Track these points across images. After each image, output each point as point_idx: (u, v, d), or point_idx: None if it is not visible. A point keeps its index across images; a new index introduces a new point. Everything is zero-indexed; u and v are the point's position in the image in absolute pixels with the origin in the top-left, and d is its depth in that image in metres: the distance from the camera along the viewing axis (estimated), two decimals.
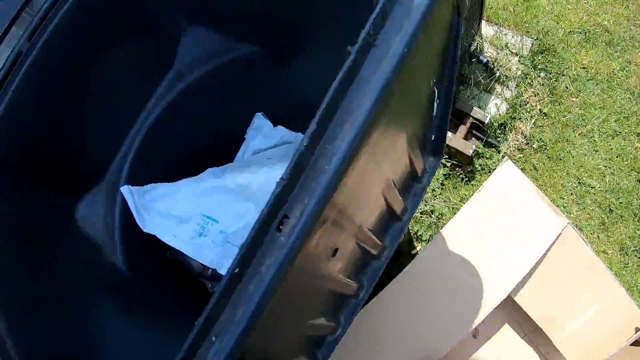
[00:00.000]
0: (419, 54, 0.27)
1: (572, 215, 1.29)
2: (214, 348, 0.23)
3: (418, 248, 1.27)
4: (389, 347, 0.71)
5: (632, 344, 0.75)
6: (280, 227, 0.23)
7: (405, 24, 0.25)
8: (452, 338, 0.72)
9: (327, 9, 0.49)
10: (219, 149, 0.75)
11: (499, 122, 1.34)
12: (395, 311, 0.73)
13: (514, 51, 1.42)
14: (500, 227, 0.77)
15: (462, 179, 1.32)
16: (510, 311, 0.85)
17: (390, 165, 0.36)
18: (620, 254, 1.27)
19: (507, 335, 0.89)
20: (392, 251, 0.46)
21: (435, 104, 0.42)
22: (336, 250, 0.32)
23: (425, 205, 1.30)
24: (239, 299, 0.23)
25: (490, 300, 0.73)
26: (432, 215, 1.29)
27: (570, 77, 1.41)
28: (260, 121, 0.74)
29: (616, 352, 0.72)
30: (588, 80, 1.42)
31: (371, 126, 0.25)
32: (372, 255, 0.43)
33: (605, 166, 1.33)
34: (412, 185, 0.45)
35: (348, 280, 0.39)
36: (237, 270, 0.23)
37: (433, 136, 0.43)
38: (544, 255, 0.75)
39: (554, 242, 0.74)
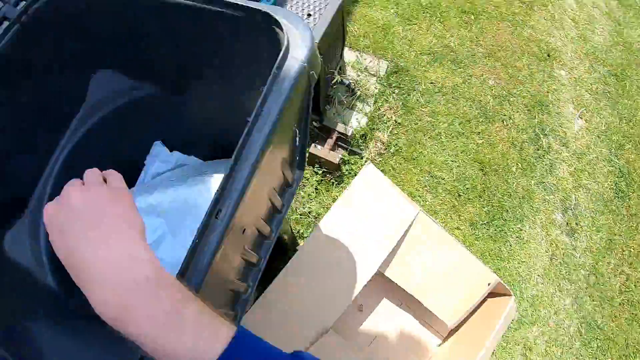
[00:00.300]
0: (287, 113, 0.47)
1: (427, 202, 1.50)
2: None
3: (301, 244, 1.44)
4: (290, 326, 0.84)
5: (488, 296, 0.93)
6: (217, 216, 0.39)
7: (278, 98, 0.45)
8: (337, 311, 0.85)
9: (210, 59, 0.65)
10: (126, 175, 0.89)
11: (361, 133, 1.57)
12: (289, 295, 0.86)
13: (372, 73, 1.69)
14: (366, 217, 0.93)
15: (333, 183, 1.52)
16: (385, 285, 1.00)
17: (272, 178, 0.56)
18: (471, 229, 1.48)
19: (386, 306, 1.05)
20: (277, 233, 0.61)
21: (297, 139, 0.61)
22: (244, 230, 0.48)
23: (304, 207, 1.49)
24: (196, 264, 0.38)
25: (363, 277, 0.88)
26: (310, 216, 1.48)
27: (420, 91, 1.68)
28: (158, 148, 0.85)
29: (476, 303, 0.90)
30: (435, 92, 1.69)
31: (263, 155, 0.43)
32: (265, 235, 0.59)
33: (452, 161, 1.56)
34: (286, 190, 0.65)
35: (252, 252, 0.55)
36: (196, 241, 0.37)
37: (297, 157, 0.63)
38: (403, 236, 0.91)
39: (410, 225, 0.92)
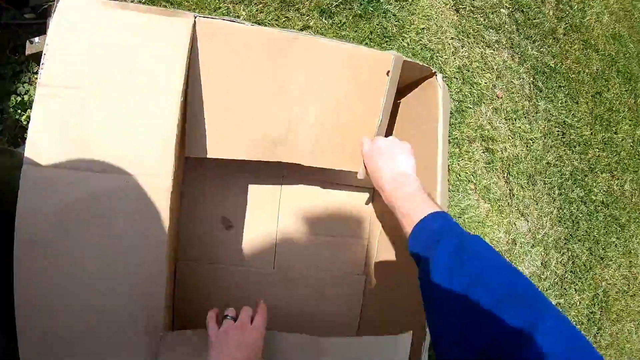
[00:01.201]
0: None
1: (244, 14, 0.90)
2: None
3: None
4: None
5: (405, 89, 0.63)
6: None
7: None
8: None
9: None
10: None
11: None
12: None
13: None
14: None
15: None
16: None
17: None
18: (322, 16, 0.91)
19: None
20: None
21: None
22: None
23: None
24: None
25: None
26: None
27: None
28: None
29: (383, 109, 0.55)
30: None
31: None
32: None
33: None
34: None
35: None
36: None
37: None
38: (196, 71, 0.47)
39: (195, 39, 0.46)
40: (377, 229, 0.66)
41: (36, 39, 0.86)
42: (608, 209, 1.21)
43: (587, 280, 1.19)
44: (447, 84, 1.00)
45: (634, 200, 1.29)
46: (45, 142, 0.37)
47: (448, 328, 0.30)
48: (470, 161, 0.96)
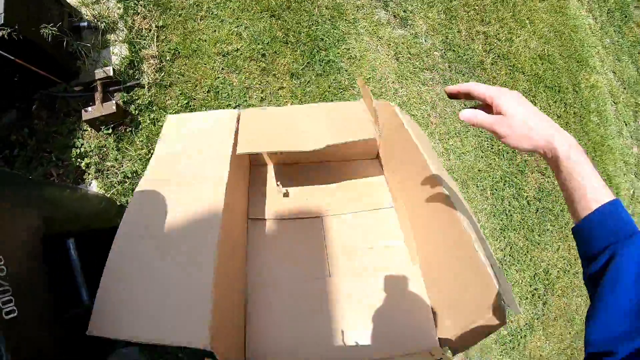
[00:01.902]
0: None
1: (236, 82, 1.24)
2: None
3: None
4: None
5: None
6: None
7: None
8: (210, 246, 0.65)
9: None
10: None
11: (126, 63, 1.25)
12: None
13: None
14: (189, 146, 0.74)
15: (131, 130, 1.22)
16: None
17: None
18: (294, 80, 1.24)
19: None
20: None
21: None
22: None
23: (118, 176, 1.19)
24: None
25: (219, 199, 0.71)
26: (130, 178, 1.18)
27: None
28: None
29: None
30: None
31: None
32: None
33: (237, 26, 1.29)
34: None
35: None
36: None
37: None
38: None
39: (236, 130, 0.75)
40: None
41: (89, 108, 1.22)
42: (540, 202, 1.47)
43: (525, 262, 1.44)
44: None
45: None
46: (145, 199, 0.67)
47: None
48: None
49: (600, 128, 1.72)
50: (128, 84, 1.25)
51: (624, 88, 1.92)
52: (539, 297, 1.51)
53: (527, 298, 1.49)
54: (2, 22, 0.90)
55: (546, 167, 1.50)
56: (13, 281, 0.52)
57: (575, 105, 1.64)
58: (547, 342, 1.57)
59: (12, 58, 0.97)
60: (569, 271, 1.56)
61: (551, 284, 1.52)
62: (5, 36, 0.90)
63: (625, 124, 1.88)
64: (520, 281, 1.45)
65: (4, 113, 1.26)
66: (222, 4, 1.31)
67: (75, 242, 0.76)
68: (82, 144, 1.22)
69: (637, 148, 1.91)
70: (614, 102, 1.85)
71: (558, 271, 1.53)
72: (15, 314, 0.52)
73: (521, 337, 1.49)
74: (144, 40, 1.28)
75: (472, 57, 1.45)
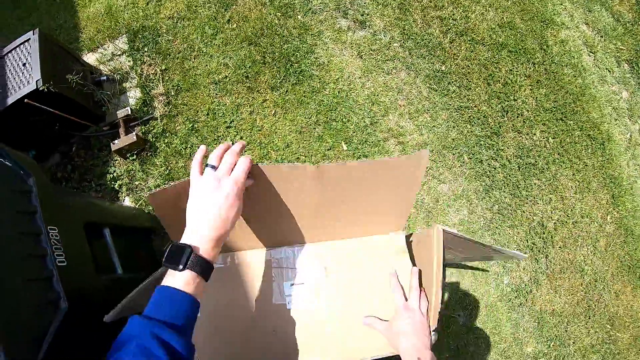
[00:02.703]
0: None
1: (229, 102, 1.48)
2: None
3: None
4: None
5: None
6: None
7: None
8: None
9: None
10: None
11: (141, 103, 1.55)
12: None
13: (118, 53, 1.67)
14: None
15: (151, 154, 1.50)
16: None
17: None
18: (274, 92, 1.46)
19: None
20: None
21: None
22: None
23: (143, 191, 1.46)
24: None
25: None
26: None
27: (164, 32, 1.66)
28: None
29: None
30: (176, 23, 1.67)
31: None
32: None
33: (223, 58, 1.55)
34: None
35: None
36: None
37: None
38: None
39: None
40: None
41: (116, 141, 1.52)
42: (521, 159, 1.55)
43: (517, 218, 1.52)
44: (359, 110, 1.47)
45: (548, 146, 1.61)
46: None
47: None
48: (386, 153, 1.42)
49: (578, 79, 1.76)
50: (144, 119, 1.55)
51: (601, 36, 1.94)
52: (538, 251, 1.56)
53: (525, 254, 1.54)
54: (42, 82, 1.21)
55: (522, 125, 1.58)
56: (64, 244, 0.78)
57: (544, 63, 1.72)
58: (557, 295, 1.60)
59: (53, 110, 1.28)
60: (566, 222, 1.60)
61: (549, 237, 1.57)
62: (45, 90, 1.21)
63: (609, 71, 1.89)
64: (515, 237, 1.52)
65: (50, 157, 1.61)
66: (209, 43, 1.59)
67: (111, 232, 1.03)
68: (114, 170, 1.53)
69: (627, 93, 1.91)
70: (592, 52, 1.89)
71: (554, 223, 1.58)
72: (65, 263, 0.77)
73: (527, 292, 1.54)
74: (152, 82, 1.58)
75: (430, 41, 1.60)
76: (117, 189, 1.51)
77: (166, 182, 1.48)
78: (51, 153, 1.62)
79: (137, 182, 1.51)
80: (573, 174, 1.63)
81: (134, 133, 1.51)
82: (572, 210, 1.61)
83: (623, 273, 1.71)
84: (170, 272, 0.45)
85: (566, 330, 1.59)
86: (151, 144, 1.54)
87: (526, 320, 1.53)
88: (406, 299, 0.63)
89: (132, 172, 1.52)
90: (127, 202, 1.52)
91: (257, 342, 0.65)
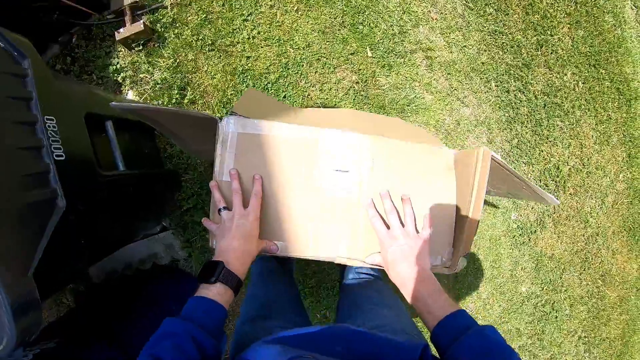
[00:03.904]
0: None
1: (272, 10, 1.36)
2: None
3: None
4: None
5: None
6: None
7: None
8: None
9: None
10: None
11: None
12: None
13: None
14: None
15: (158, 45, 1.38)
16: None
17: None
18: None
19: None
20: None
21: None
22: None
23: (148, 85, 1.36)
24: None
25: None
26: (159, 84, 1.34)
27: None
28: None
29: None
30: None
31: None
32: None
33: None
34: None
35: None
36: None
37: None
38: None
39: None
40: None
41: (121, 30, 1.39)
42: (548, 97, 1.48)
43: (534, 155, 1.47)
44: (389, 17, 1.36)
45: (577, 90, 1.53)
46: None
47: None
48: (413, 66, 1.33)
49: (617, 30, 1.67)
50: (153, 7, 1.40)
51: None
52: (550, 193, 1.53)
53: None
54: None
55: (554, 63, 1.50)
56: (62, 136, 0.70)
57: (587, 4, 1.61)
58: (559, 241, 1.59)
59: None
60: (581, 170, 1.56)
61: (562, 181, 1.53)
62: None
63: None
64: (530, 174, 1.48)
65: (48, 48, 1.47)
66: None
67: (114, 125, 0.94)
68: (117, 62, 1.40)
69: None
70: (635, 6, 1.78)
71: (570, 169, 1.54)
72: (63, 157, 0.68)
73: (531, 232, 1.52)
74: None
75: None
76: (120, 81, 1.39)
77: (173, 75, 1.38)
78: (50, 44, 1.47)
79: (142, 75, 1.39)
80: (596, 124, 1.57)
81: (141, 21, 1.37)
82: (588, 160, 1.57)
83: (623, 233, 1.70)
84: (203, 285, 0.50)
85: (561, 277, 1.60)
86: (159, 34, 1.41)
87: (526, 259, 1.52)
88: (388, 228, 0.58)
89: (137, 64, 1.40)
90: (131, 95, 1.41)
91: (288, 221, 0.62)
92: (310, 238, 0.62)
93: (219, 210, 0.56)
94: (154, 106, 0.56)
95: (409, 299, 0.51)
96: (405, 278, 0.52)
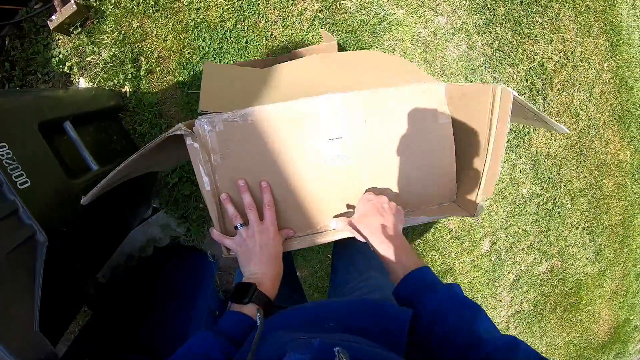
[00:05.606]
0: None
1: None
2: None
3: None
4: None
5: None
6: None
7: None
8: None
9: None
10: None
11: None
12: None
13: None
14: None
15: (98, 21, 1.26)
16: None
17: None
18: None
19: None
20: None
21: None
22: None
23: (98, 67, 1.25)
24: None
25: None
26: (109, 63, 1.24)
27: None
28: None
29: None
30: None
31: None
32: None
33: None
34: None
35: None
36: None
37: None
38: None
39: None
40: None
41: (53, 17, 1.25)
42: None
43: (517, 56, 1.44)
44: None
45: None
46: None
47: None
48: None
49: None
50: None
51: None
52: (537, 92, 1.52)
53: (524, 94, 1.50)
54: None
55: None
56: (20, 160, 0.62)
57: None
58: (553, 138, 1.60)
59: None
60: (566, 64, 1.54)
61: (549, 78, 1.52)
62: None
63: None
64: (515, 76, 1.46)
65: None
66: None
67: (73, 124, 0.85)
68: (59, 52, 1.28)
69: None
70: None
71: (554, 64, 1.52)
72: (28, 184, 0.61)
73: (525, 133, 1.53)
74: None
75: None
76: (67, 71, 1.28)
77: (122, 49, 1.26)
78: None
79: (88, 59, 1.28)
80: (575, 16, 1.53)
81: (72, 1, 1.23)
82: (572, 53, 1.54)
83: (614, 122, 1.72)
84: (234, 306, 0.50)
85: (559, 173, 1.63)
86: (95, 10, 1.28)
87: (523, 161, 1.54)
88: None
89: (80, 47, 1.28)
90: (83, 83, 1.30)
91: (294, 207, 0.61)
92: (324, 217, 0.61)
93: (236, 227, 0.55)
94: (119, 167, 0.53)
95: (377, 247, 0.53)
96: (375, 227, 0.54)
